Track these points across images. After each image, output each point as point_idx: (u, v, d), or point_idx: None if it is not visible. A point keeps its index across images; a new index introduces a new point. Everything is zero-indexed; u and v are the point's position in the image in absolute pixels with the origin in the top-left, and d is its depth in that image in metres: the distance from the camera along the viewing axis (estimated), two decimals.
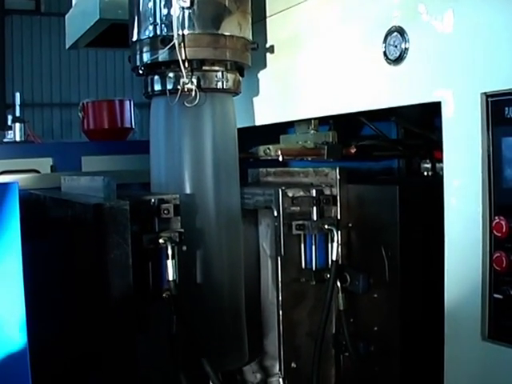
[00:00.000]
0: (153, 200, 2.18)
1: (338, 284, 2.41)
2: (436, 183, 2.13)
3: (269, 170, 2.86)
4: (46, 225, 2.52)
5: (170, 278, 2.12)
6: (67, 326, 2.35)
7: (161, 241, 2.14)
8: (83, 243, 2.09)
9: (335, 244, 2.39)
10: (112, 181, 2.14)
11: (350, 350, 2.41)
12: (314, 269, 2.46)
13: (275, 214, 2.45)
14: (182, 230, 2.19)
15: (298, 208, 2.45)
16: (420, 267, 2.27)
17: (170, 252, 2.12)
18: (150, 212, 2.17)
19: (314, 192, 2.44)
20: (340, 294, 2.42)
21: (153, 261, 2.18)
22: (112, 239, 1.96)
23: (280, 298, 2.48)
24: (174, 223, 2.21)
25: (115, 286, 1.96)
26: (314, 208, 2.43)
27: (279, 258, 2.47)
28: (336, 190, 2.47)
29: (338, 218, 2.46)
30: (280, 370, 2.52)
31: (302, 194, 2.45)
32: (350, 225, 2.46)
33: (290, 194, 2.44)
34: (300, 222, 2.43)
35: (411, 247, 2.27)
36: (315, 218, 2.43)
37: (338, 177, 2.47)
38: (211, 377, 2.19)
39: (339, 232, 2.42)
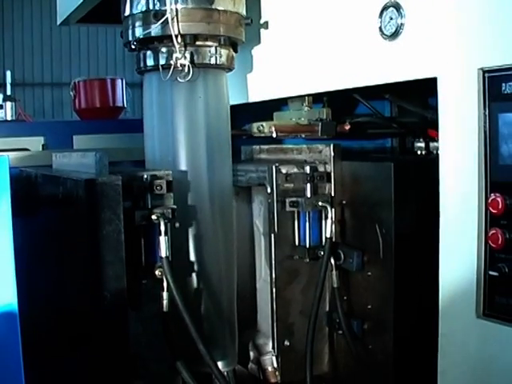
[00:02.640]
0: (145, 176, 2.15)
1: (332, 261, 2.40)
2: (431, 161, 2.11)
3: (262, 147, 2.84)
4: (38, 202, 2.51)
5: (163, 255, 2.10)
6: (58, 303, 2.34)
7: (153, 217, 2.11)
8: (75, 219, 2.07)
9: (329, 221, 2.38)
10: (104, 156, 2.12)
11: (343, 328, 2.40)
12: (307, 246, 2.45)
13: (269, 190, 2.44)
14: (175, 207, 2.17)
15: (292, 185, 2.43)
16: (414, 245, 2.25)
17: (162, 228, 2.10)
18: (142, 188, 2.15)
19: (307, 169, 2.42)
20: (334, 272, 2.41)
21: (145, 237, 2.16)
22: (104, 215, 1.94)
23: (273, 275, 2.47)
24: (166, 199, 2.19)
25: (107, 261, 1.95)
26: (308, 185, 2.41)
27: (272, 236, 2.46)
28: (330, 167, 2.45)
29: (332, 195, 2.45)
30: (273, 348, 2.52)
31: (295, 170, 2.43)
32: (344, 202, 2.45)
33: (284, 171, 2.42)
34: (293, 199, 2.41)
35: (406, 225, 2.25)
36: (309, 195, 2.41)
37: (332, 154, 2.45)
38: (204, 356, 2.19)
39: (333, 209, 2.41)
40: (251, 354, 2.63)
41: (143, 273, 2.16)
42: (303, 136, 2.80)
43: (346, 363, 2.50)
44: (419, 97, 2.77)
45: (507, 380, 1.76)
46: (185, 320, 2.14)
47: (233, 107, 2.60)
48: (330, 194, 2.44)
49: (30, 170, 2.64)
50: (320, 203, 2.40)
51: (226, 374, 2.38)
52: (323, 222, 2.42)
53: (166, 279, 2.12)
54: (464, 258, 1.88)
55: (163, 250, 2.11)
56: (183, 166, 2.37)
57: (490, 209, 1.80)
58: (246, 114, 3.03)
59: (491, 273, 1.81)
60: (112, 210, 1.95)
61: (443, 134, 1.95)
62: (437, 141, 2.01)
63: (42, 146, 4.65)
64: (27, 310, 2.55)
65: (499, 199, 1.77)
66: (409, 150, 3.06)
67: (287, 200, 2.42)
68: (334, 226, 2.41)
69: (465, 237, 1.87)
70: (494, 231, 1.79)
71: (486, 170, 1.81)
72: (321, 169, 2.45)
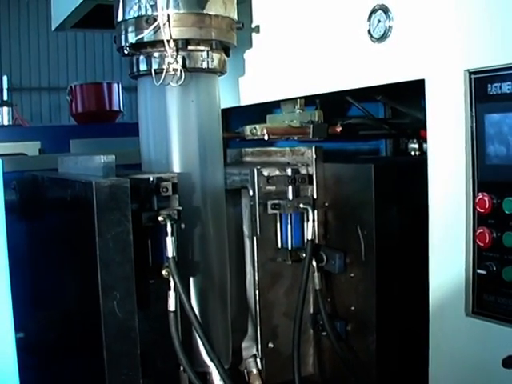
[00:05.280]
0: (151, 178, 2.19)
1: (314, 263, 2.42)
2: (412, 162, 2.13)
3: (247, 150, 2.86)
4: (45, 204, 2.54)
5: (170, 255, 2.13)
6: (68, 304, 2.38)
7: (160, 218, 2.14)
8: (84, 221, 2.09)
9: (310, 223, 2.39)
10: (111, 160, 2.15)
11: (327, 330, 2.41)
12: (289, 248, 2.47)
13: (251, 193, 2.46)
14: (181, 208, 2.21)
15: (274, 187, 2.45)
16: (396, 246, 2.28)
17: (169, 229, 2.12)
18: (148, 190, 2.18)
19: (289, 171, 2.44)
20: (316, 274, 2.43)
21: (151, 239, 2.20)
22: (113, 216, 1.97)
23: (256, 278, 2.49)
24: (172, 201, 2.22)
25: (117, 262, 1.98)
26: (290, 187, 2.43)
27: (255, 238, 2.48)
28: (312, 169, 2.47)
29: (315, 197, 2.47)
30: (257, 350, 2.54)
31: (277, 173, 2.45)
32: (327, 204, 2.47)
33: (266, 174, 2.44)
34: (275, 202, 2.43)
35: (387, 226, 2.28)
36: (291, 198, 2.44)
37: (314, 156, 2.47)
38: (210, 355, 2.22)
39: (316, 211, 2.43)
40: (243, 355, 2.65)
41: (150, 273, 2.20)
42: (295, 138, 2.83)
43: (330, 364, 2.53)
44: (412, 98, 2.78)
45: (496, 376, 1.78)
46: (191, 319, 2.17)
47: (226, 110, 2.62)
48: (313, 196, 2.47)
49: (36, 173, 2.66)
50: (301, 205, 2.41)
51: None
52: (305, 224, 2.43)
53: (173, 279, 2.15)
54: (453, 257, 1.90)
55: (170, 251, 2.13)
56: (177, 169, 2.40)
57: (478, 208, 1.83)
58: (239, 116, 3.05)
59: (479, 271, 1.84)
60: (121, 212, 1.98)
61: (431, 135, 1.98)
62: None
63: (39, 150, 4.67)
64: (36, 313, 2.59)
65: (486, 198, 1.80)
66: (403, 152, 3.07)
67: (269, 202, 2.44)
68: (316, 228, 2.43)
69: (453, 236, 1.90)
70: (481, 230, 1.82)
71: (473, 170, 1.84)
72: (303, 171, 2.47)
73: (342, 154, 3.15)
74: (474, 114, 1.82)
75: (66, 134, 4.85)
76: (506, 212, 1.75)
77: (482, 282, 1.84)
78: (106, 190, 1.96)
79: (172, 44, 2.31)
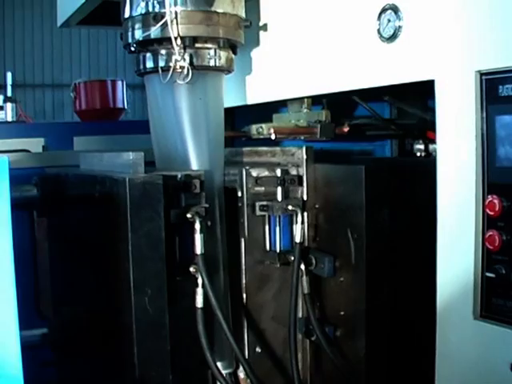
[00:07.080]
0: (179, 175, 2.19)
1: (303, 267, 2.37)
2: (406, 164, 2.09)
3: (238, 149, 2.79)
4: (70, 201, 2.54)
5: (198, 252, 2.13)
6: (93, 302, 2.38)
7: (188, 215, 2.14)
8: (114, 218, 2.09)
9: (299, 226, 2.35)
10: (140, 156, 2.15)
11: (317, 335, 2.36)
12: (278, 251, 2.42)
13: (239, 194, 2.42)
14: (208, 205, 2.20)
15: (263, 188, 2.40)
16: (387, 250, 2.23)
17: (197, 226, 2.13)
18: (177, 187, 2.18)
19: (278, 172, 2.38)
20: (304, 278, 2.37)
21: (179, 236, 2.20)
22: (146, 213, 1.98)
23: (243, 280, 2.45)
24: (200, 198, 2.22)
25: (149, 258, 1.99)
26: (279, 188, 2.38)
27: (242, 240, 2.44)
28: (302, 170, 2.41)
29: (305, 198, 2.42)
30: (243, 354, 2.49)
31: (266, 173, 2.39)
32: (317, 206, 2.41)
33: (254, 174, 2.39)
34: (264, 203, 2.38)
35: (378, 230, 2.22)
36: (280, 199, 2.38)
37: (305, 156, 2.41)
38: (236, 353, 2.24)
39: (306, 213, 2.40)
40: None
41: (178, 270, 2.19)
42: (302, 138, 2.81)
43: (320, 370, 2.49)
44: (418, 98, 2.77)
45: (504, 381, 1.76)
46: (218, 316, 2.17)
47: (232, 109, 2.60)
48: (302, 198, 2.41)
49: (57, 169, 2.67)
50: (290, 207, 2.36)
51: (226, 376, 2.38)
52: (294, 226, 2.38)
53: (201, 276, 2.15)
54: (461, 259, 1.88)
55: (198, 248, 2.13)
56: (194, 166, 2.40)
57: (487, 211, 1.81)
58: (245, 115, 3.04)
59: (488, 274, 1.82)
60: (153, 208, 2.00)
61: (441, 136, 1.96)
62: (436, 143, 2.01)
63: (43, 147, 4.67)
64: (60, 309, 2.57)
65: (496, 201, 1.78)
66: (408, 153, 3.05)
67: (257, 204, 2.38)
68: (305, 231, 2.39)
69: (462, 238, 1.88)
70: (491, 233, 1.80)
71: (483, 172, 1.82)
72: (293, 172, 2.41)
73: (342, 155, 3.12)
74: (484, 115, 1.80)
75: (70, 131, 4.84)
76: None
77: (491, 286, 1.83)
78: (139, 187, 1.97)
79: (179, 41, 2.30)
